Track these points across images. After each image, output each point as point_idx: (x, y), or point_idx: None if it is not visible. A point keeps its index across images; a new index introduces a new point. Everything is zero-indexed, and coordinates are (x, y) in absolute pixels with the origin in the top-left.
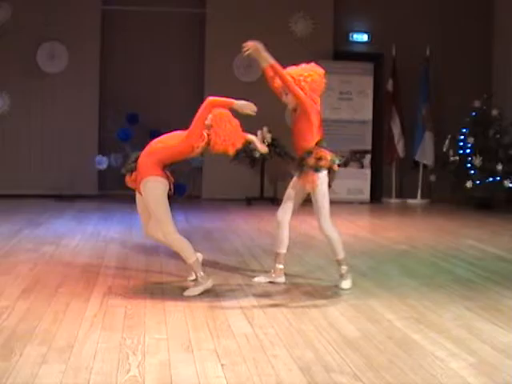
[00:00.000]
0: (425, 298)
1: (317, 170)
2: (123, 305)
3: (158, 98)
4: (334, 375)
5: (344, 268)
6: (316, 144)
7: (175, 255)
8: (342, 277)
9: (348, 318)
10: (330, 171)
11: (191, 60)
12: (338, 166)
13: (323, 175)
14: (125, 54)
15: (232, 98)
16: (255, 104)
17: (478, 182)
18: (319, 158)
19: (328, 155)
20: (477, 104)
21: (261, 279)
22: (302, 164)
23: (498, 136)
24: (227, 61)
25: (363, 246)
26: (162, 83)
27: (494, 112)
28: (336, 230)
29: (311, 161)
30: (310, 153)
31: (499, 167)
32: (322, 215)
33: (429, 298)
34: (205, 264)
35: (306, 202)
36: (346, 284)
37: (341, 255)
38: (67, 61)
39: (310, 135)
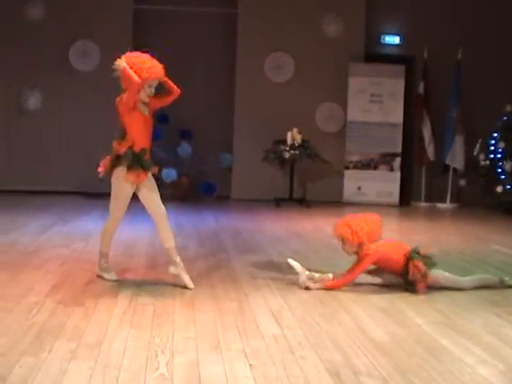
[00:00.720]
0: (454, 303)
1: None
2: (152, 303)
3: (187, 97)
4: (362, 378)
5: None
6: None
7: (203, 255)
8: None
9: (376, 322)
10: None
11: (222, 60)
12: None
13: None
14: (156, 53)
15: (262, 98)
16: (285, 105)
17: (508, 186)
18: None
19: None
20: (508, 108)
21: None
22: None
23: None
24: (258, 61)
25: None
26: (193, 83)
27: None
28: None
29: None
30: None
31: None
32: None
33: (457, 303)
34: (233, 264)
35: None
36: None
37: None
38: (99, 59)
39: None
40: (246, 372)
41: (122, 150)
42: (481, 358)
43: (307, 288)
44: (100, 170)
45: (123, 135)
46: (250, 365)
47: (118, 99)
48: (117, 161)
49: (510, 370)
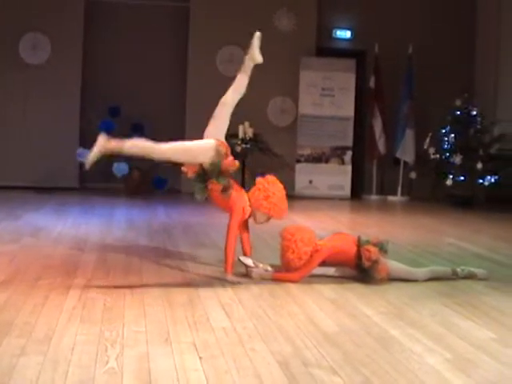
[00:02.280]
0: (403, 293)
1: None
2: (102, 297)
3: (140, 90)
4: (311, 369)
5: None
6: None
7: (153, 249)
8: None
9: (327, 313)
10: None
11: (174, 54)
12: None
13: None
14: (108, 46)
15: (214, 92)
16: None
17: (457, 179)
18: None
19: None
20: (458, 103)
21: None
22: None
23: (479, 135)
24: (210, 55)
25: None
26: (145, 76)
27: (475, 111)
28: None
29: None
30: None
31: (479, 166)
32: None
33: (407, 293)
34: (186, 258)
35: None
36: None
37: None
38: (50, 52)
39: None
40: (195, 365)
41: None
42: (429, 347)
43: (263, 279)
44: None
45: None
46: (200, 357)
47: None
48: None
49: (456, 358)
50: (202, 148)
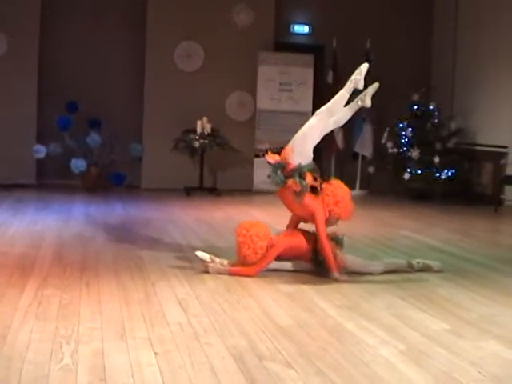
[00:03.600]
0: (358, 286)
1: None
2: (58, 294)
3: (98, 86)
4: (266, 363)
5: None
6: None
7: (111, 245)
8: None
9: (282, 307)
10: None
11: (132, 49)
12: None
13: None
14: (65, 41)
15: (172, 87)
16: (195, 94)
17: (415, 173)
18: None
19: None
20: (415, 97)
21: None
22: None
23: (436, 129)
24: (168, 50)
25: None
26: (103, 71)
27: (432, 105)
28: None
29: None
30: None
31: (436, 160)
32: None
33: (362, 286)
34: (143, 254)
35: None
36: None
37: None
38: (6, 47)
39: None
40: (150, 360)
41: None
42: (382, 339)
43: (220, 273)
44: None
45: None
46: (155, 353)
47: None
48: None
49: (409, 350)
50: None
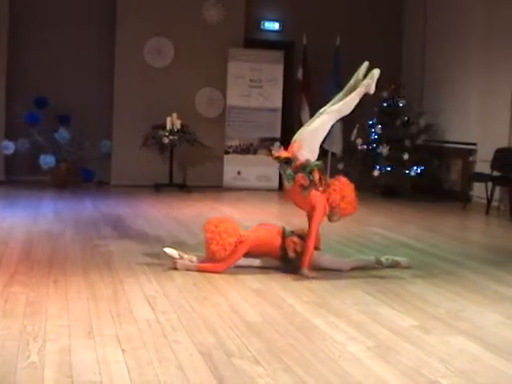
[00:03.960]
0: (327, 283)
1: None
2: (25, 292)
3: (67, 82)
4: (234, 360)
5: None
6: None
7: (79, 241)
8: None
9: (250, 303)
10: None
11: (102, 44)
12: None
13: None
14: (34, 36)
15: (142, 83)
16: (165, 90)
17: (384, 170)
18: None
19: None
20: (385, 94)
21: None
22: None
23: (405, 126)
24: (138, 46)
25: None
26: (73, 67)
27: (402, 102)
28: None
29: None
30: None
31: (405, 156)
32: None
33: (331, 283)
34: (112, 250)
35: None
36: None
37: None
38: None
39: None
40: (118, 357)
41: None
42: (350, 336)
43: (188, 270)
44: None
45: None
46: (123, 350)
47: None
48: None
49: (377, 346)
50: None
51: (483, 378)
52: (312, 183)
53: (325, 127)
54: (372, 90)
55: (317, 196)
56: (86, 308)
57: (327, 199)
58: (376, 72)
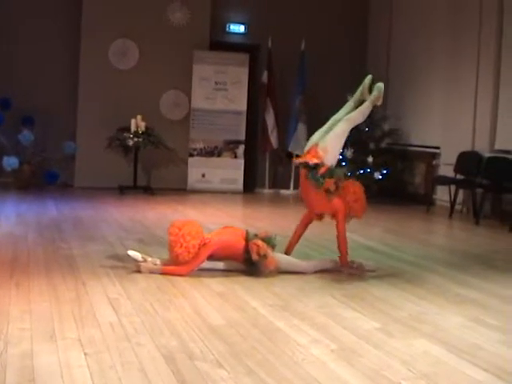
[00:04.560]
0: (291, 286)
1: None
2: None
3: (31, 83)
4: (197, 363)
5: None
6: None
7: (42, 244)
8: None
9: (214, 307)
10: None
11: (67, 46)
12: None
13: None
14: None
15: (107, 85)
16: (130, 92)
17: (349, 173)
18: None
19: None
20: (349, 98)
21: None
22: None
23: (370, 129)
24: (102, 48)
25: None
26: (37, 68)
27: None
28: None
29: None
30: None
31: (370, 159)
32: None
33: (295, 286)
34: (75, 253)
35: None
36: None
37: None
38: None
39: None
40: (80, 361)
41: None
42: (314, 338)
43: (152, 272)
44: None
45: None
46: (85, 353)
47: None
48: None
49: (341, 349)
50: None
51: (445, 380)
52: (338, 189)
53: (345, 134)
54: (380, 102)
55: (339, 201)
56: (48, 311)
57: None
58: (381, 85)
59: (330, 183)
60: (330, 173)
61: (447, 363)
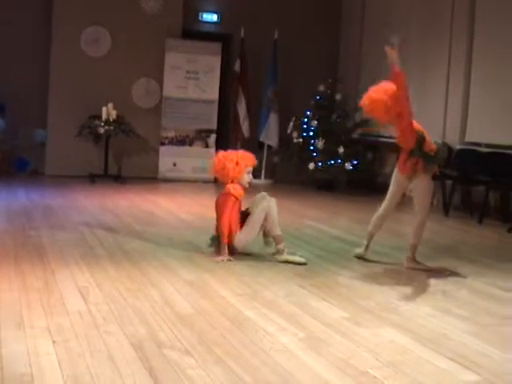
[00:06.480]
0: (260, 275)
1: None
2: None
3: (2, 70)
4: (165, 351)
5: None
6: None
7: (11, 232)
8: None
9: (183, 295)
10: None
11: (38, 32)
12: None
13: None
14: None
15: (78, 73)
16: (101, 80)
17: (320, 164)
18: None
19: None
20: (321, 88)
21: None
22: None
23: (341, 120)
24: (74, 35)
25: (204, 223)
26: (7, 55)
27: (338, 97)
28: None
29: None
30: None
31: (341, 150)
32: None
33: (264, 275)
34: (45, 241)
35: None
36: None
37: None
38: None
39: None
40: (48, 349)
41: None
42: (282, 327)
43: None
44: None
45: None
46: (54, 341)
47: None
48: None
49: (308, 337)
50: None
51: (411, 368)
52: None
53: None
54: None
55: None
56: (16, 299)
57: None
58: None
59: None
60: None
61: (413, 352)
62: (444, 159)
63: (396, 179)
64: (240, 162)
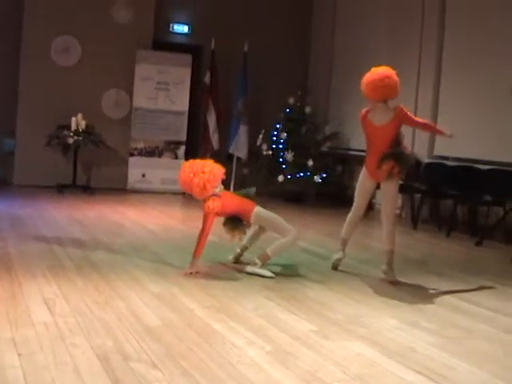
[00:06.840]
0: (227, 287)
1: None
2: None
3: None
4: (131, 363)
5: None
6: None
7: None
8: None
9: (150, 308)
10: None
11: (8, 41)
12: None
13: None
14: None
15: (48, 82)
16: (71, 89)
17: (289, 176)
18: None
19: None
20: (291, 101)
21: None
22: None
23: (311, 133)
24: (45, 44)
25: (171, 235)
26: None
27: (308, 109)
28: None
29: None
30: None
31: (310, 163)
32: None
33: (231, 288)
34: (11, 252)
35: None
36: None
37: None
38: None
39: None
40: (13, 361)
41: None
42: (250, 340)
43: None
44: None
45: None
46: (19, 354)
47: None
48: None
49: (276, 351)
50: None
51: (378, 381)
52: None
53: None
54: None
55: None
56: None
57: None
58: None
59: None
60: None
61: (380, 365)
62: (413, 164)
63: (363, 183)
64: (207, 186)
